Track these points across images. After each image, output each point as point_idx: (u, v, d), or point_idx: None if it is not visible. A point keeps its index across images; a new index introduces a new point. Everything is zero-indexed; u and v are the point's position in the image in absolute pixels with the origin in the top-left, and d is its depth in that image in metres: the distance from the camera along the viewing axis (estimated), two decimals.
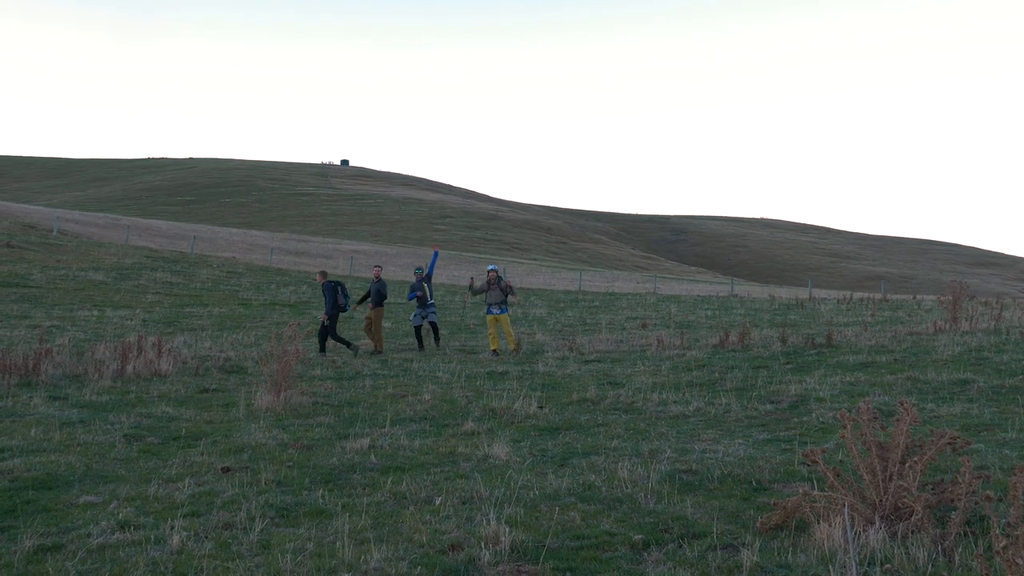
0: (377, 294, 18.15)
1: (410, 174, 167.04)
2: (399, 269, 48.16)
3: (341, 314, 18.62)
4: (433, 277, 17.53)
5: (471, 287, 18.57)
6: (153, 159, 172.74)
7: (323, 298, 18.53)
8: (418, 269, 18.96)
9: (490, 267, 17.75)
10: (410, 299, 18.61)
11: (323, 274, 18.03)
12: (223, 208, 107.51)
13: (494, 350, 16.85)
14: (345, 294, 17.33)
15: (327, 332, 17.19)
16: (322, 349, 17.05)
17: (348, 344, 17.22)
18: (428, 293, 18.19)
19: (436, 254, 20.21)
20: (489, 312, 17.44)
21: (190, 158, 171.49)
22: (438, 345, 18.12)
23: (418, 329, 18.20)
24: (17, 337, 17.87)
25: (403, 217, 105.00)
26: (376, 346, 17.70)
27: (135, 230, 49.40)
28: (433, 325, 18.19)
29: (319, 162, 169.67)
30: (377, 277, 18.72)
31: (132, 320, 22.25)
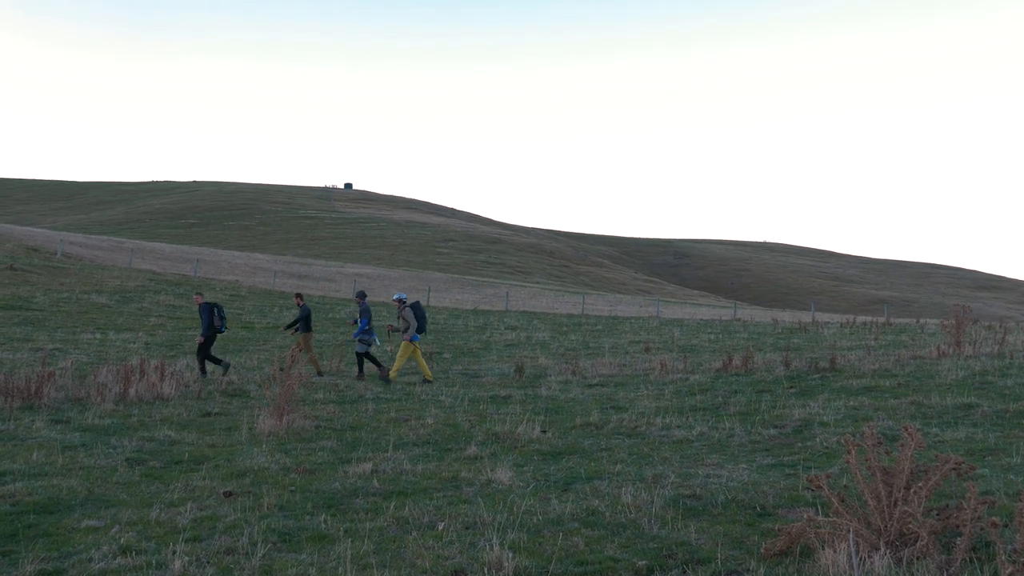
0: (305, 320, 18.26)
1: (413, 197, 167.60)
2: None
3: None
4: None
5: (393, 329, 18.05)
6: (157, 182, 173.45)
7: (199, 319, 18.23)
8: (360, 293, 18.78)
9: (396, 296, 17.44)
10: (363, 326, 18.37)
11: (200, 295, 18.11)
12: (226, 231, 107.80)
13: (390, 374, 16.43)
14: (222, 316, 17.36)
15: (203, 352, 17.12)
16: (203, 371, 16.95)
17: (219, 362, 17.06)
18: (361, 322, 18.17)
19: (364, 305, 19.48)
20: (414, 339, 16.93)
21: (193, 181, 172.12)
22: (360, 375, 17.59)
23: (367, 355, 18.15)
24: (20, 360, 17.87)
25: (406, 240, 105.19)
26: (317, 369, 17.83)
27: (138, 253, 49.52)
28: (360, 355, 17.93)
29: (322, 185, 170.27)
30: (300, 303, 18.82)
31: (135, 343, 22.25)
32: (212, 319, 17.16)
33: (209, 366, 17.56)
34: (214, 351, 18.40)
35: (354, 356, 17.91)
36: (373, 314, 18.44)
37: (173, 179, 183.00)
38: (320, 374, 17.59)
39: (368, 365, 18.18)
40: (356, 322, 17.96)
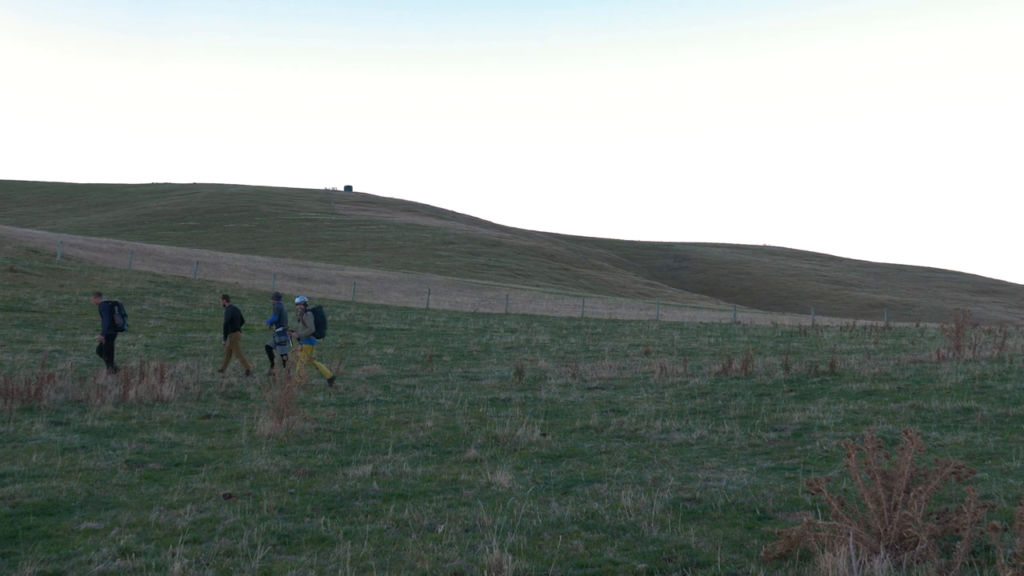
0: (234, 320, 18.33)
1: (414, 200, 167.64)
2: (402, 295, 48.22)
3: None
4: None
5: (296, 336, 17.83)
6: (157, 184, 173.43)
7: (100, 318, 18.11)
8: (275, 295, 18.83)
9: (298, 299, 17.38)
10: (268, 323, 18.60)
11: (98, 295, 18.10)
12: (226, 233, 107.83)
13: (330, 379, 16.30)
14: (123, 314, 17.34)
15: (104, 350, 17.08)
16: (110, 365, 16.92)
17: (110, 363, 17.01)
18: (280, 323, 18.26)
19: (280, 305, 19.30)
20: (310, 342, 16.84)
21: (193, 183, 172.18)
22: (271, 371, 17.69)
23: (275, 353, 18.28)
24: (20, 362, 17.86)
25: (406, 243, 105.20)
26: (246, 368, 17.97)
27: (138, 255, 49.52)
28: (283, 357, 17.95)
29: (323, 188, 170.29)
30: (227, 304, 18.90)
31: (135, 345, 22.25)
32: (113, 318, 17.14)
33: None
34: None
35: (281, 360, 18.00)
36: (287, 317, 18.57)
37: (173, 181, 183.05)
38: (248, 373, 17.72)
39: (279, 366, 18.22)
40: (270, 323, 18.32)
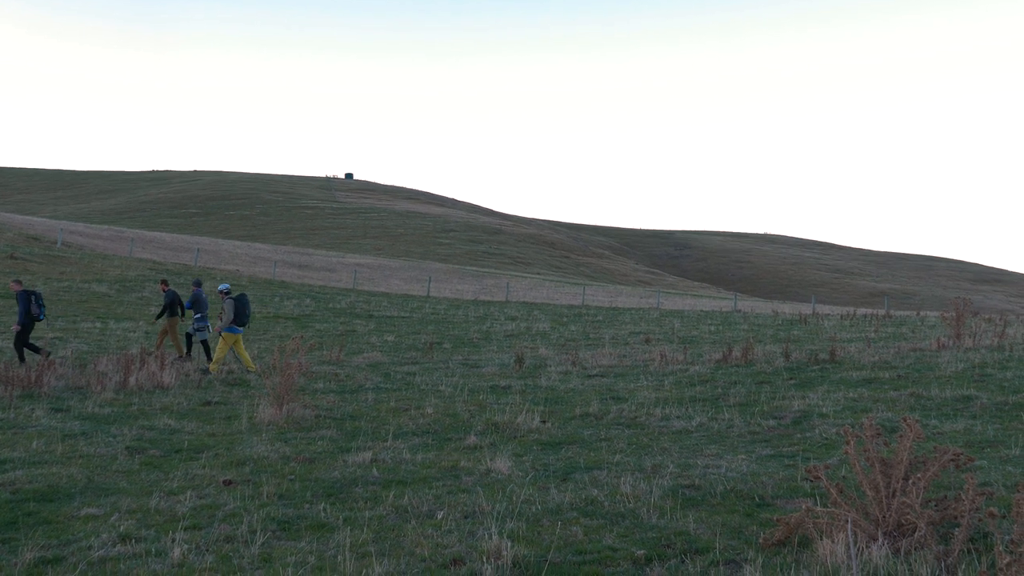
0: (172, 305, 18.42)
1: (414, 188, 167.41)
2: (403, 283, 48.20)
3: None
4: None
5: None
6: (157, 172, 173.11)
7: (16, 307, 17.96)
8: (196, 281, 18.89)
9: (220, 287, 17.23)
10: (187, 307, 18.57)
11: (18, 282, 17.91)
12: (227, 221, 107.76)
13: (211, 369, 16.16)
14: (40, 303, 17.18)
15: (20, 341, 16.99)
16: (21, 359, 16.84)
17: (37, 350, 16.85)
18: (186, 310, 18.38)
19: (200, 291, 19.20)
20: (232, 331, 16.58)
21: (194, 171, 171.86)
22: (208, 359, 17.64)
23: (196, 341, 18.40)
24: None
25: (407, 231, 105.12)
26: (179, 352, 18.10)
27: (139, 242, 49.51)
28: (203, 343, 18.09)
29: (323, 175, 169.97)
30: (165, 289, 19.03)
31: (135, 332, 22.26)
32: (30, 307, 17.03)
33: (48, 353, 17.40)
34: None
35: (200, 346, 18.05)
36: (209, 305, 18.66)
37: (174, 168, 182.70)
38: (180, 358, 17.75)
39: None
40: (187, 307, 18.35)
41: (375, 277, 49.81)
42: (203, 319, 17.97)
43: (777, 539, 6.06)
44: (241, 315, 16.58)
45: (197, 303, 17.95)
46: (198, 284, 18.50)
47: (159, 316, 18.87)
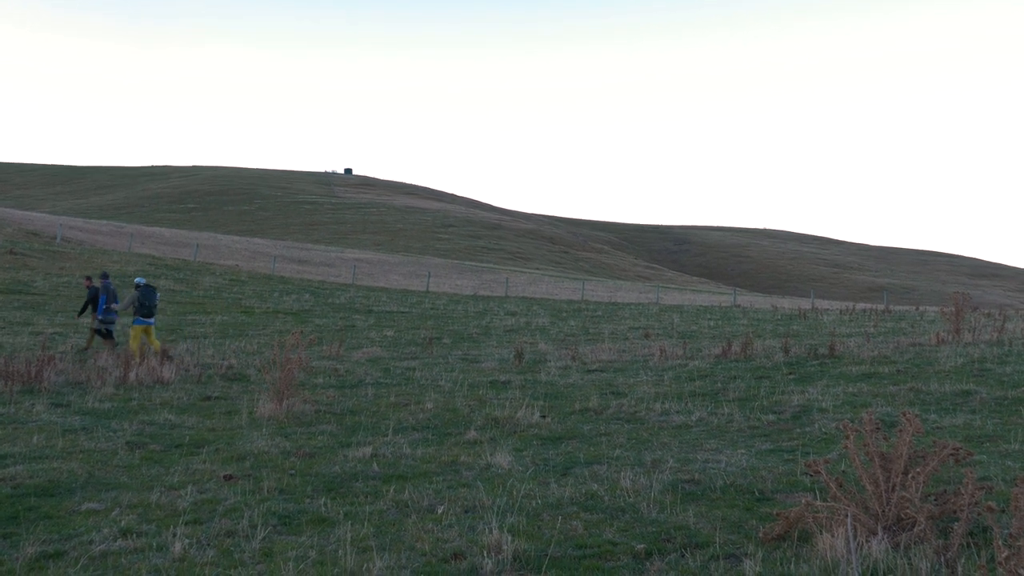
0: (92, 301, 18.76)
1: (414, 183, 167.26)
2: (402, 278, 48.20)
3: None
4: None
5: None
6: (156, 167, 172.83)
7: None
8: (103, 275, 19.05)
9: (136, 280, 17.43)
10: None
11: (88, 279, 18.58)
12: (226, 216, 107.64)
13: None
14: (108, 299, 17.66)
15: (98, 332, 17.44)
16: (109, 337, 17.30)
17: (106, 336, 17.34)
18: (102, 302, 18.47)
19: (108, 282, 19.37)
20: (139, 322, 16.84)
21: (193, 166, 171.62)
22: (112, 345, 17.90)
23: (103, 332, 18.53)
24: (20, 344, 17.89)
25: (406, 226, 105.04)
26: (87, 345, 18.25)
27: (138, 237, 49.48)
28: (107, 331, 18.28)
29: (322, 170, 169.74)
30: (89, 285, 19.51)
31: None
32: (100, 302, 17.40)
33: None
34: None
35: (102, 336, 18.29)
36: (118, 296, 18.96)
37: (173, 164, 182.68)
38: (85, 350, 17.77)
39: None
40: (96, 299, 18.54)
41: (374, 272, 49.80)
42: (112, 311, 18.22)
43: (777, 533, 6.07)
44: (144, 306, 16.87)
45: (107, 294, 18.20)
46: (105, 276, 18.81)
47: (81, 313, 19.46)
